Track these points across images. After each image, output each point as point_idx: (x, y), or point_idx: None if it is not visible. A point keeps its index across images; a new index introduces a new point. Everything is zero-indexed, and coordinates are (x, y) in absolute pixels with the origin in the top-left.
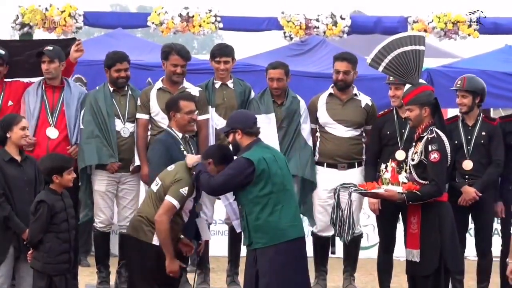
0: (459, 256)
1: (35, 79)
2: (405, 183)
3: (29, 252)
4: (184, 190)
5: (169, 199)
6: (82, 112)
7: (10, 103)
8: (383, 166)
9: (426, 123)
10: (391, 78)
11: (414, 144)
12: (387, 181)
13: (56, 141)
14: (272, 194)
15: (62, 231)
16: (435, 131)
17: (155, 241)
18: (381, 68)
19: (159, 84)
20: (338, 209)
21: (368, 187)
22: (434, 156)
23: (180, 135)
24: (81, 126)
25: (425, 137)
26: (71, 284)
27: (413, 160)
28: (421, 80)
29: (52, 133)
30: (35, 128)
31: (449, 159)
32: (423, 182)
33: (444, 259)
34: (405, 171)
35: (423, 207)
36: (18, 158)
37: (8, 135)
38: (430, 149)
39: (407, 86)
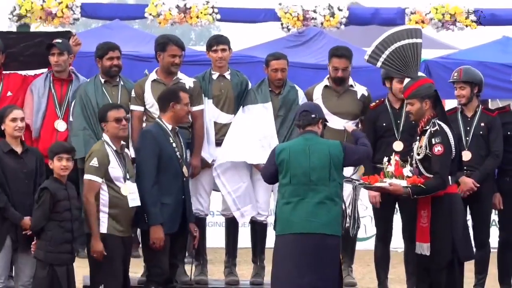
0: (470, 246)
1: (31, 72)
2: (409, 177)
3: (33, 243)
4: (94, 162)
5: (85, 177)
6: (73, 104)
7: (9, 93)
8: (385, 159)
9: (428, 116)
10: None
11: (418, 138)
12: (390, 175)
13: (65, 133)
14: (289, 185)
15: (65, 219)
16: (438, 124)
17: (103, 229)
18: (379, 64)
19: (153, 75)
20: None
21: (371, 180)
22: (438, 149)
23: (170, 127)
24: (71, 119)
25: (428, 131)
26: (72, 275)
27: (418, 154)
28: (420, 73)
29: (61, 125)
30: (43, 120)
31: (454, 150)
32: (430, 175)
33: (456, 251)
34: (410, 165)
35: (433, 200)
36: (19, 149)
37: (2, 127)
38: (433, 142)
39: (407, 80)
